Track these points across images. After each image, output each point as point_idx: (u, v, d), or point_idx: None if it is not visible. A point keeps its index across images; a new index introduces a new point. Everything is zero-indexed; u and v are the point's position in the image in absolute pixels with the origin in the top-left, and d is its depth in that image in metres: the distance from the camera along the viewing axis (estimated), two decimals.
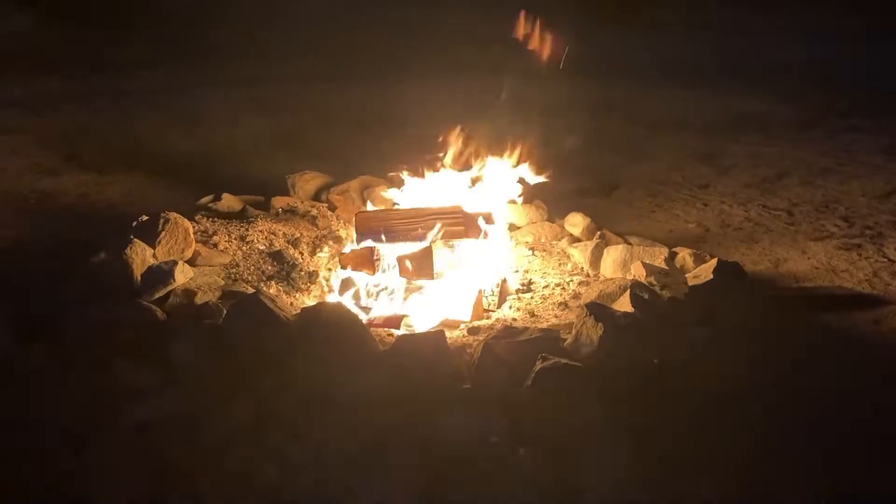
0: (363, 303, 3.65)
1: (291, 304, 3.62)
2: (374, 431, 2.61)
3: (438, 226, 3.70)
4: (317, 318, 3.02)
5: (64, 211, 4.97)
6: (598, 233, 4.31)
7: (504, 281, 3.82)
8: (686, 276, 3.64)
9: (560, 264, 4.15)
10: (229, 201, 4.71)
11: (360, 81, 8.81)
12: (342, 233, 4.36)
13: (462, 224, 3.75)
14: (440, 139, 4.28)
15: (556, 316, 3.59)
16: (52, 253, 4.14)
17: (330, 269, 3.99)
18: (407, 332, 3.36)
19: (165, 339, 3.04)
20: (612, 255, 3.92)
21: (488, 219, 3.90)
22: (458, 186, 4.20)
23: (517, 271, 4.12)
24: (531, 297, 3.82)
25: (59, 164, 5.99)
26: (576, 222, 4.49)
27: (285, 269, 3.92)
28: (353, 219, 3.91)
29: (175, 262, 3.44)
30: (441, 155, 4.28)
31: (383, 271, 3.71)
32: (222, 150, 6.34)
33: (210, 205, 4.67)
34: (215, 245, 4.00)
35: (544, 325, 3.42)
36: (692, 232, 4.86)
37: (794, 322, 3.56)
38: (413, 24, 11.08)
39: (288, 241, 4.18)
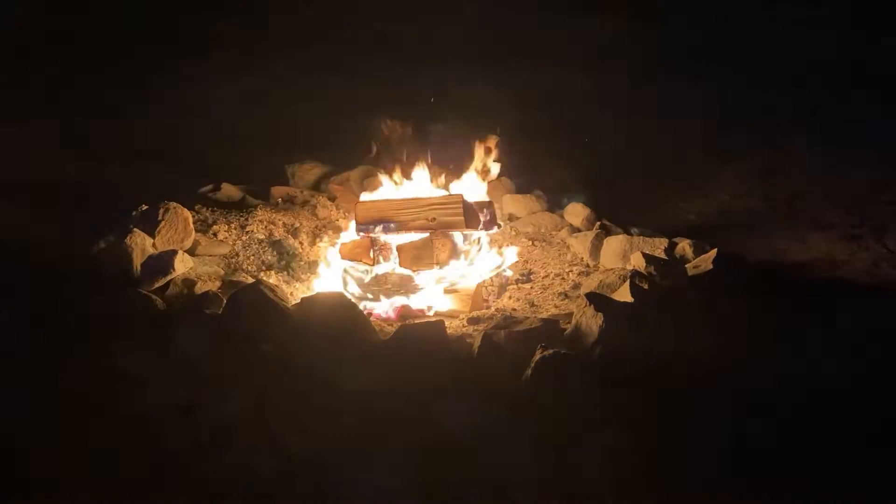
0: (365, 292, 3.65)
1: (291, 293, 3.62)
2: (375, 420, 2.61)
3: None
4: (317, 307, 3.02)
5: (63, 200, 4.95)
6: (598, 223, 4.30)
7: (504, 271, 3.82)
8: (686, 266, 3.64)
9: (560, 254, 4.15)
10: (229, 191, 4.70)
11: (361, 69, 8.78)
12: (342, 222, 4.35)
13: (461, 214, 3.74)
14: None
15: (555, 306, 3.59)
16: (51, 242, 4.13)
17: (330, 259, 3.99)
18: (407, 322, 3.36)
19: (165, 328, 3.05)
20: (612, 246, 3.91)
21: (488, 208, 3.89)
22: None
23: (517, 261, 4.11)
24: (531, 287, 3.82)
25: (57, 153, 5.97)
26: (576, 212, 4.48)
27: (285, 259, 3.92)
28: (354, 208, 3.90)
29: (175, 252, 3.44)
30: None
31: (383, 261, 3.71)
32: (221, 139, 6.33)
33: (209, 194, 4.67)
34: (215, 234, 4.00)
35: (544, 315, 3.42)
36: (692, 222, 4.85)
37: (793, 313, 3.56)
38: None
39: (288, 231, 4.18)
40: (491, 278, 3.79)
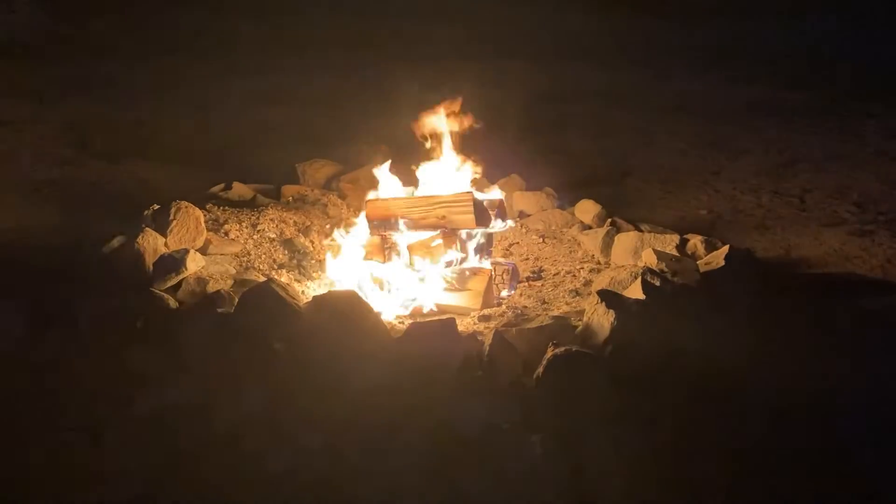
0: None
1: (303, 292, 3.63)
2: (386, 418, 2.62)
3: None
4: (328, 306, 3.03)
5: (75, 200, 4.98)
6: (609, 220, 4.30)
7: (515, 268, 3.82)
8: (697, 262, 3.63)
9: (571, 252, 4.14)
10: (240, 190, 4.72)
11: (367, 67, 8.79)
12: (353, 221, 4.35)
13: (472, 212, 3.73)
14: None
15: (567, 303, 3.58)
16: (64, 242, 4.16)
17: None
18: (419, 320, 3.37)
19: (178, 327, 3.06)
20: (623, 243, 3.91)
21: (499, 206, 3.88)
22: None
23: (528, 259, 4.11)
24: (542, 285, 3.82)
25: (69, 153, 6.01)
26: (587, 209, 4.48)
27: (296, 258, 3.93)
28: (364, 207, 3.90)
29: (186, 251, 3.45)
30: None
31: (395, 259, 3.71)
32: (232, 139, 6.35)
33: (221, 193, 4.68)
34: (226, 233, 4.01)
35: (555, 313, 3.41)
36: (703, 218, 4.84)
37: (805, 309, 3.55)
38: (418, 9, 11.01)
39: (299, 230, 4.19)
40: (501, 274, 3.78)
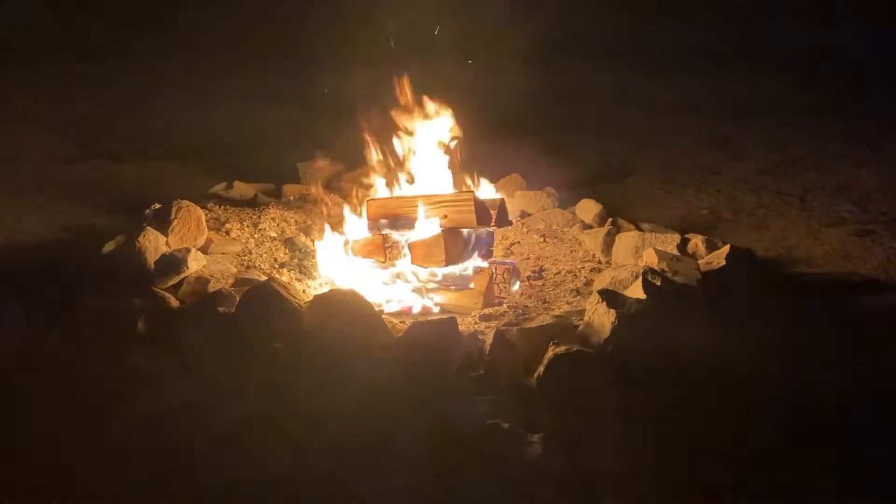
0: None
1: (304, 291, 3.63)
2: (387, 418, 2.61)
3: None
4: (329, 305, 3.03)
5: (76, 200, 4.98)
6: (610, 219, 4.29)
7: (515, 268, 3.82)
8: (698, 262, 3.63)
9: (572, 251, 4.14)
10: (241, 189, 4.72)
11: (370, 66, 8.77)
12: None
13: (473, 211, 3.74)
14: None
15: (568, 303, 3.58)
16: (65, 241, 4.16)
17: None
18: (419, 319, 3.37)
19: (178, 326, 3.06)
20: (625, 242, 3.91)
21: (500, 206, 3.88)
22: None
23: (528, 258, 4.11)
24: (543, 284, 3.82)
25: (72, 152, 6.01)
26: (588, 209, 4.48)
27: (297, 257, 3.93)
28: (365, 206, 3.90)
29: (188, 250, 3.46)
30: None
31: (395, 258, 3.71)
32: (234, 138, 6.35)
33: (222, 192, 4.69)
34: (228, 233, 4.01)
35: (556, 312, 3.41)
36: (704, 218, 4.84)
37: (806, 308, 3.54)
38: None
39: (300, 229, 4.19)
40: (502, 274, 3.78)
